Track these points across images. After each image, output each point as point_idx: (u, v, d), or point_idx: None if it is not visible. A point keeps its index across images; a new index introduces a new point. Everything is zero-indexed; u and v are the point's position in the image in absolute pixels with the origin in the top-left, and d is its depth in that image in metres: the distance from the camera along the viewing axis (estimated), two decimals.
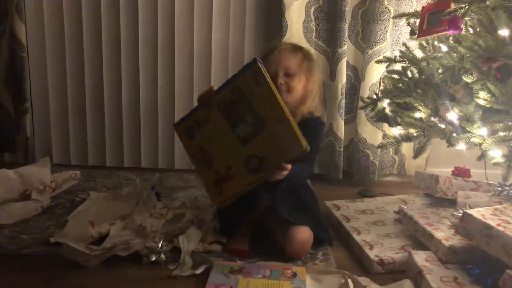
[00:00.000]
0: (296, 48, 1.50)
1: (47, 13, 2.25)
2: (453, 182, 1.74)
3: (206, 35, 2.27)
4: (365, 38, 2.17)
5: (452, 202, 1.69)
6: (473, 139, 1.19)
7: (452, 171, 1.95)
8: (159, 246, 1.41)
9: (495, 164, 1.16)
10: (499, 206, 1.30)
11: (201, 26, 2.26)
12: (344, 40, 2.12)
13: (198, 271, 1.33)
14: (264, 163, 1.26)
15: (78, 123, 2.36)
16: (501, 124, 1.15)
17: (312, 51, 2.17)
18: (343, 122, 2.20)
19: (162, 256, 1.40)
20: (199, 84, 2.31)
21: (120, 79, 2.31)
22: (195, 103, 2.27)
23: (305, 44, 2.14)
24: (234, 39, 2.27)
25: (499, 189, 1.53)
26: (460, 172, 1.89)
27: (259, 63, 1.23)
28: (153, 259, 1.39)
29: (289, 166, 1.29)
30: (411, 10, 2.02)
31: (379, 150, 2.23)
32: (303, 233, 1.43)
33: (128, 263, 1.37)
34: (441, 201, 1.75)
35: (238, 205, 1.47)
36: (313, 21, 2.17)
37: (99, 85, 2.32)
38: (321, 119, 1.58)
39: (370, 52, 2.14)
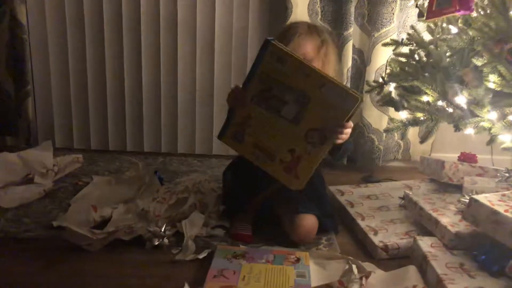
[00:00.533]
0: (313, 32, 1.44)
1: None
2: (459, 167, 1.72)
3: (210, 17, 2.22)
4: (371, 21, 2.12)
5: (458, 188, 1.67)
6: (482, 124, 1.16)
7: (458, 156, 1.92)
8: (162, 230, 1.40)
9: (504, 149, 1.14)
10: (506, 192, 1.28)
11: (205, 7, 2.21)
12: (350, 23, 2.08)
13: (201, 256, 1.32)
14: (326, 131, 1.24)
15: (80, 107, 2.34)
16: (511, 108, 1.12)
17: None
18: None
19: (165, 240, 1.39)
20: (201, 67, 2.28)
21: (122, 63, 2.27)
22: (198, 87, 2.24)
23: None
24: (238, 19, 2.23)
25: (506, 174, 1.51)
26: (467, 158, 1.86)
27: (272, 41, 1.19)
28: (156, 243, 1.38)
29: (350, 124, 1.27)
30: None
31: (384, 134, 2.20)
32: (310, 220, 1.42)
33: (131, 247, 1.37)
34: (447, 186, 1.74)
35: (246, 187, 1.46)
36: (318, 3, 2.12)
37: (101, 68, 2.29)
38: None
39: (376, 35, 2.10)
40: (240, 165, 1.56)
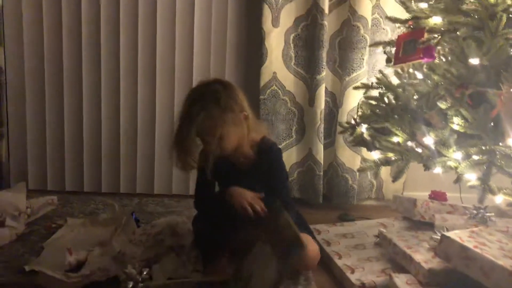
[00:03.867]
0: (210, 107, 1.42)
1: (27, 39, 2.24)
2: (430, 205, 1.78)
3: (188, 60, 2.29)
4: (342, 65, 2.23)
5: (430, 225, 1.72)
6: (449, 163, 1.22)
7: (429, 194, 1.98)
8: (139, 273, 1.38)
9: (470, 187, 1.20)
10: (475, 229, 1.33)
11: (183, 52, 2.28)
12: (322, 67, 2.17)
13: None
14: None
15: (55, 148, 2.33)
16: (474, 148, 1.20)
17: (291, 77, 2.23)
18: (322, 146, 2.24)
19: (140, 284, 1.36)
20: (179, 108, 2.31)
21: (100, 105, 2.30)
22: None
23: (283, 71, 2.21)
24: (215, 64, 2.30)
25: (474, 212, 1.57)
26: (437, 196, 1.92)
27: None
28: (130, 286, 1.35)
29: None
30: (386, 39, 2.10)
31: (357, 174, 2.26)
32: (311, 244, 1.46)
33: None
34: (419, 224, 1.78)
35: (217, 230, 1.48)
36: (292, 48, 2.22)
37: (77, 111, 2.30)
38: (274, 146, 1.60)
39: (347, 79, 2.20)
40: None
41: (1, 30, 2.14)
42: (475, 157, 1.22)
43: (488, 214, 1.55)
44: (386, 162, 1.40)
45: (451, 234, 1.24)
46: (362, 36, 2.16)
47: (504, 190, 1.12)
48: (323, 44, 2.16)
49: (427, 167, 1.37)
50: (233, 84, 1.52)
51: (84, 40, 2.25)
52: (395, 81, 1.74)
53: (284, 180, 1.62)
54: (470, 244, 1.19)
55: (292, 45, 2.22)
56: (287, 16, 2.19)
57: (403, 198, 1.93)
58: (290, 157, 2.26)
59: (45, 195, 2.04)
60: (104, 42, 2.25)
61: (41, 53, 2.25)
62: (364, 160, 2.18)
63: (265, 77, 2.20)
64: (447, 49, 1.40)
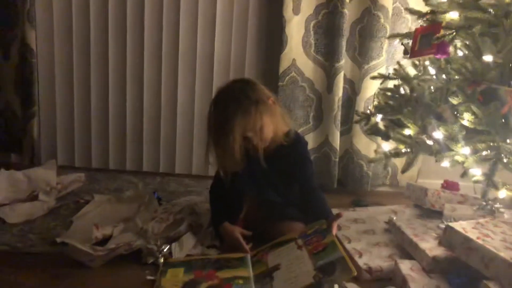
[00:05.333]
0: (244, 103, 1.46)
1: (57, 20, 2.34)
2: (441, 195, 1.82)
3: (209, 48, 2.35)
4: (362, 54, 2.25)
5: (439, 214, 1.76)
6: (456, 157, 1.27)
7: (441, 184, 2.02)
8: (160, 249, 1.48)
9: (475, 182, 1.24)
10: (481, 220, 1.38)
11: (204, 39, 2.34)
12: (341, 55, 2.21)
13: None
14: None
15: (83, 127, 2.45)
16: (483, 144, 1.24)
17: (310, 64, 2.27)
18: (338, 133, 2.29)
19: (160, 259, 1.47)
20: (200, 93, 2.40)
21: (125, 86, 2.39)
22: (197, 111, 2.36)
23: (303, 58, 2.25)
24: (236, 51, 2.36)
25: (483, 203, 1.61)
26: (449, 185, 1.96)
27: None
28: (150, 261, 1.46)
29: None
30: (406, 29, 2.12)
31: (373, 163, 2.31)
32: (298, 226, 1.51)
33: (130, 263, 1.45)
34: (430, 212, 1.83)
35: (228, 209, 1.57)
36: (312, 35, 2.25)
37: (104, 91, 2.40)
38: (300, 138, 1.65)
39: (366, 67, 2.23)
40: (218, 184, 1.66)
41: (33, 14, 2.23)
42: (484, 153, 1.26)
43: (496, 205, 1.59)
44: (396, 154, 1.45)
45: (456, 225, 1.30)
46: (382, 25, 2.17)
47: (507, 186, 1.16)
48: (343, 32, 2.19)
49: (437, 160, 1.42)
50: (251, 78, 1.57)
51: (111, 24, 2.33)
52: (412, 72, 1.78)
53: (312, 169, 1.69)
54: (473, 235, 1.25)
55: (312, 33, 2.25)
56: (308, 3, 2.21)
57: (416, 186, 1.97)
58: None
59: (73, 172, 2.15)
60: (129, 27, 2.33)
61: (70, 35, 2.35)
62: (378, 148, 2.22)
63: (284, 64, 2.25)
64: (463, 45, 1.42)
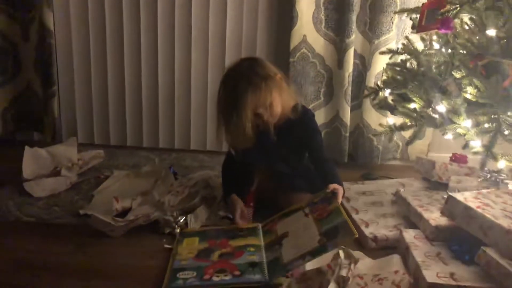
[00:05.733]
0: (254, 80, 1.50)
1: (73, 2, 2.40)
2: (448, 167, 1.86)
3: (221, 23, 2.39)
4: (372, 28, 2.26)
5: (446, 186, 1.80)
6: (458, 130, 1.31)
7: (450, 157, 2.06)
8: (176, 220, 1.58)
9: (474, 153, 1.28)
10: (483, 191, 1.43)
11: (216, 15, 2.38)
12: (351, 31, 2.22)
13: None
14: None
15: (101, 106, 2.53)
16: (484, 117, 1.27)
17: (321, 40, 2.30)
18: (349, 108, 2.32)
19: (176, 229, 1.56)
20: (213, 69, 2.45)
21: (140, 66, 2.46)
22: (210, 88, 2.41)
23: (313, 34, 2.27)
24: (247, 27, 2.39)
25: (488, 175, 1.65)
26: (457, 159, 1.99)
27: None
28: (167, 231, 1.55)
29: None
30: (416, 4, 2.12)
31: (383, 135, 2.34)
32: (306, 197, 1.57)
33: (148, 233, 1.55)
34: (437, 185, 1.88)
35: (237, 182, 1.65)
36: (322, 11, 2.27)
37: (120, 71, 2.47)
38: (306, 110, 1.69)
39: (376, 42, 2.24)
40: (230, 160, 1.73)
41: None
42: (486, 125, 1.30)
43: (500, 177, 1.63)
44: (401, 127, 1.50)
45: (457, 195, 1.35)
46: (393, 0, 2.17)
47: (506, 157, 1.20)
48: (353, 7, 2.19)
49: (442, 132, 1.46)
50: (258, 56, 1.61)
51: (125, 4, 2.38)
52: (421, 46, 1.79)
53: (321, 140, 1.74)
54: (473, 204, 1.30)
55: (322, 8, 2.26)
56: None
57: (424, 160, 2.01)
58: (317, 118, 2.32)
59: (93, 149, 2.25)
60: (143, 6, 2.38)
61: (86, 16, 2.41)
62: (384, 124, 2.24)
63: (295, 40, 2.28)
64: (468, 19, 1.43)
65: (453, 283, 1.17)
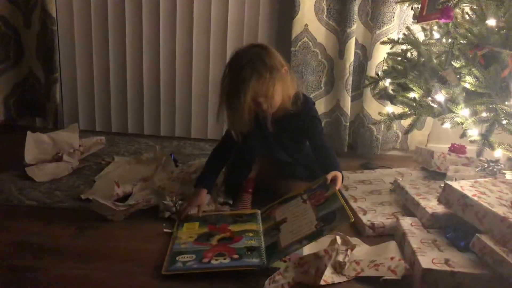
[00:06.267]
0: (260, 68, 1.51)
1: None
2: (447, 157, 1.88)
3: (223, 11, 2.40)
4: (374, 19, 2.27)
5: (444, 176, 1.82)
6: (456, 119, 1.32)
7: (449, 147, 2.07)
8: (175, 204, 1.59)
9: (471, 141, 1.30)
10: (480, 180, 1.44)
11: (218, 5, 2.39)
12: (353, 21, 2.23)
13: None
14: None
15: (102, 93, 2.55)
16: (482, 106, 1.28)
17: (323, 29, 2.30)
18: (349, 98, 2.33)
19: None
20: (215, 57, 2.46)
21: (141, 53, 2.47)
22: (211, 77, 2.42)
23: (315, 24, 2.28)
24: (248, 16, 2.40)
25: (485, 165, 1.66)
26: (456, 149, 2.01)
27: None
28: (167, 216, 1.57)
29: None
30: None
31: (382, 125, 2.36)
32: (305, 185, 1.58)
33: (148, 218, 1.57)
34: (435, 174, 1.89)
35: (239, 167, 1.67)
36: (324, 1, 2.27)
37: (122, 58, 2.49)
38: (307, 98, 1.71)
39: (378, 32, 2.25)
40: (223, 148, 1.76)
41: None
42: (484, 114, 1.31)
43: (498, 167, 1.64)
44: (399, 116, 1.51)
45: (454, 183, 1.36)
46: None
47: (503, 146, 1.22)
48: None
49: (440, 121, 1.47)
50: (268, 45, 1.62)
51: None
52: (422, 37, 1.80)
53: (321, 128, 1.75)
54: (469, 192, 1.31)
55: None
56: None
57: (423, 150, 2.03)
58: (318, 108, 2.33)
59: (94, 135, 2.27)
60: None
61: (88, 3, 2.42)
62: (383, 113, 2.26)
63: (297, 29, 2.28)
64: (468, 9, 1.44)
65: (448, 269, 1.19)
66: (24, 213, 1.59)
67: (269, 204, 1.58)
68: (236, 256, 1.29)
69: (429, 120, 2.38)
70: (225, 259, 1.28)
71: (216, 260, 1.27)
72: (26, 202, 1.65)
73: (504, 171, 1.66)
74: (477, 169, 1.68)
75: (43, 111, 2.46)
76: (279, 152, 1.68)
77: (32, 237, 1.43)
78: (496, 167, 1.63)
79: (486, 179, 1.48)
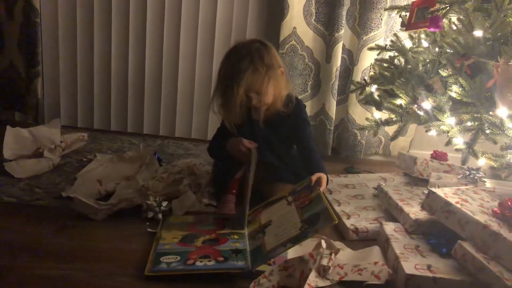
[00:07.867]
0: (257, 63, 1.54)
1: None
2: (429, 164, 1.91)
3: (212, 11, 2.38)
4: (361, 24, 2.29)
5: (426, 182, 1.85)
6: (442, 127, 1.34)
7: (431, 154, 2.10)
8: (159, 205, 1.57)
9: (457, 150, 1.32)
10: (462, 187, 1.47)
11: (207, 5, 2.37)
12: (341, 25, 2.24)
13: None
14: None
15: (85, 88, 2.50)
16: (467, 115, 1.31)
17: (311, 33, 2.31)
18: (335, 102, 2.35)
19: (159, 214, 1.56)
20: (202, 58, 2.44)
21: (127, 49, 2.43)
22: (197, 77, 2.42)
23: (303, 27, 2.28)
24: (237, 17, 2.39)
25: (467, 172, 1.69)
26: (438, 156, 2.04)
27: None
28: (150, 216, 1.55)
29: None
30: (406, 1, 2.15)
31: (366, 131, 2.38)
32: (291, 188, 1.59)
33: (131, 217, 1.54)
34: (417, 180, 1.92)
35: (227, 168, 1.66)
36: (313, 4, 2.28)
37: (107, 53, 2.45)
38: (299, 101, 1.72)
39: (365, 38, 2.27)
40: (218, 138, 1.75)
41: None
42: (468, 123, 1.33)
43: (478, 175, 1.68)
44: (386, 122, 1.52)
45: (437, 190, 1.38)
46: None
47: (486, 155, 1.24)
48: (344, 2, 2.22)
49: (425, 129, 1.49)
50: (269, 43, 1.63)
51: None
52: (409, 44, 1.82)
53: (310, 131, 1.77)
54: (452, 200, 1.33)
55: (313, 2, 2.28)
56: None
57: (406, 156, 2.05)
58: None
59: (76, 132, 2.22)
60: None
61: None
62: (370, 118, 2.28)
63: (285, 32, 2.29)
64: (456, 19, 1.46)
65: (430, 274, 1.20)
66: (2, 210, 1.55)
67: (254, 208, 1.58)
68: (221, 259, 1.28)
69: (412, 126, 2.41)
70: (210, 261, 1.27)
71: (201, 261, 1.26)
72: (4, 199, 1.60)
73: (485, 179, 1.70)
74: (458, 177, 1.71)
75: (24, 105, 2.40)
76: (267, 153, 1.68)
77: (10, 235, 1.38)
78: (477, 175, 1.67)
79: (467, 187, 1.51)
